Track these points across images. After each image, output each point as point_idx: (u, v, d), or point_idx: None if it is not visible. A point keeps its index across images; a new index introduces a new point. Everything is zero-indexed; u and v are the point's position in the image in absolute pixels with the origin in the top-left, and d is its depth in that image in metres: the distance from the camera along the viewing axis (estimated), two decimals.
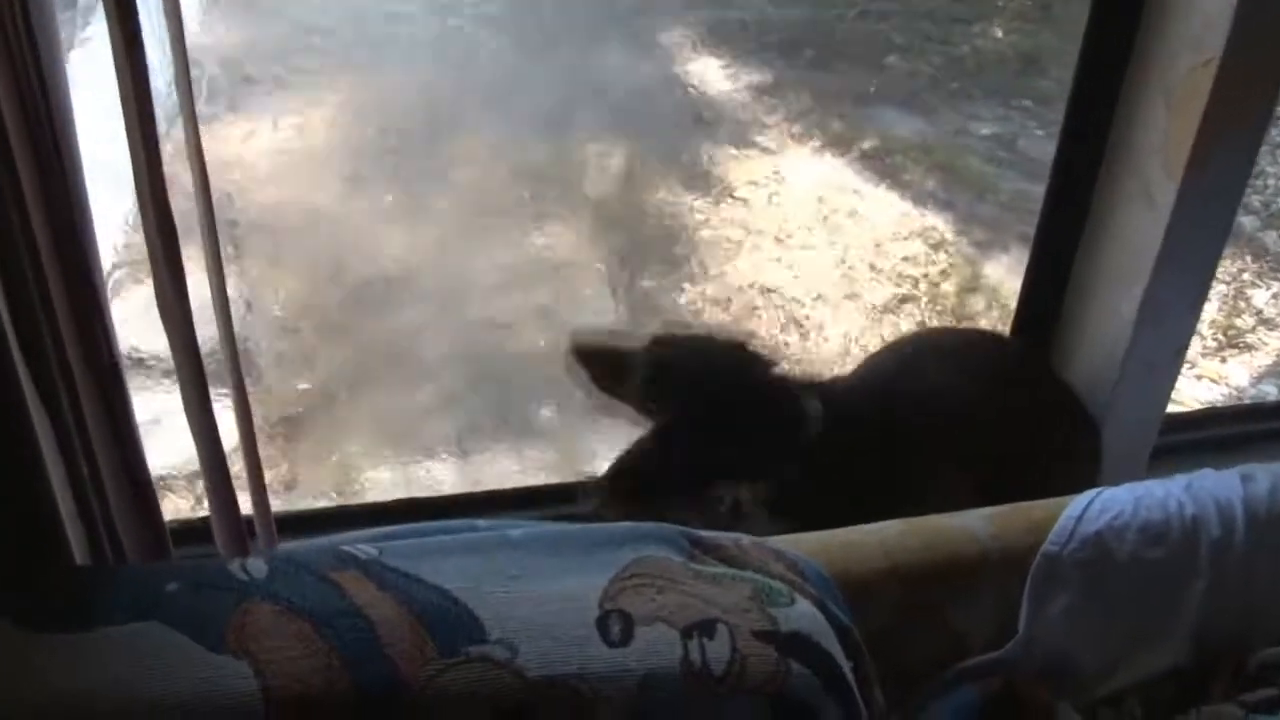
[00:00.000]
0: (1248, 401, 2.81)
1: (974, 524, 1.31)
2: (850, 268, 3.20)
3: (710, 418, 1.47)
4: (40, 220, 0.97)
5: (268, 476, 1.34)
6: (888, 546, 1.26)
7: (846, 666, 1.05)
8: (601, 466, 1.54)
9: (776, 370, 1.53)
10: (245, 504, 1.28)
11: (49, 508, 0.99)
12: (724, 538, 1.13)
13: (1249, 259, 3.52)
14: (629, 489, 1.49)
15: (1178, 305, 1.62)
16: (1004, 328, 1.93)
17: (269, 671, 0.86)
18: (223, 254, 1.18)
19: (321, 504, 2.13)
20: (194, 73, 1.11)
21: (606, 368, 1.53)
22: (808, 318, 2.96)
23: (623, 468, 1.50)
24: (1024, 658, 1.28)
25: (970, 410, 1.59)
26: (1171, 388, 1.72)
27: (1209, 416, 2.23)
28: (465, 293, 2.90)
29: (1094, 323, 1.69)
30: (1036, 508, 1.35)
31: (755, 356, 1.55)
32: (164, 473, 2.01)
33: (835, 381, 1.65)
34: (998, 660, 1.28)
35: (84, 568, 1.01)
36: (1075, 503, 1.35)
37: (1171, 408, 1.79)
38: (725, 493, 1.53)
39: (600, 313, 2.87)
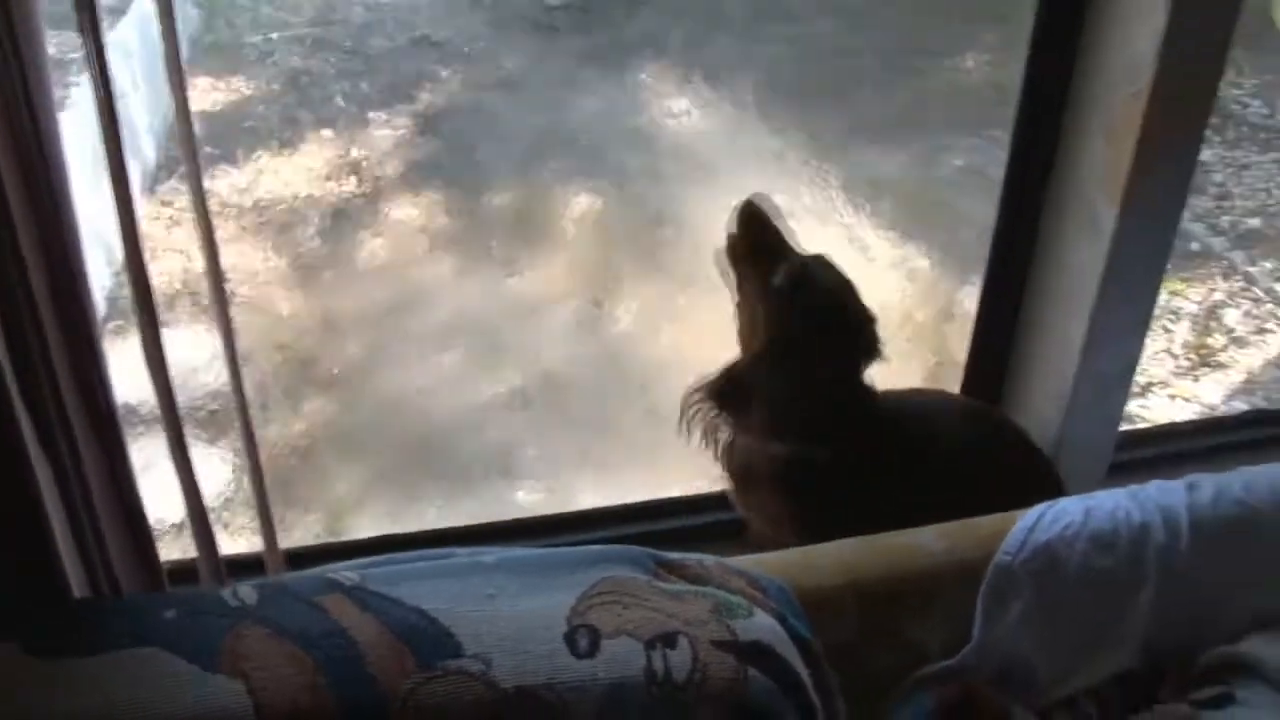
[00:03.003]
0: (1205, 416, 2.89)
1: (927, 539, 1.38)
2: None
3: (825, 346, 1.53)
4: (38, 273, 1.03)
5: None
6: (846, 563, 1.33)
7: (804, 674, 1.12)
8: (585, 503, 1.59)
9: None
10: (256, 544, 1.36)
11: (48, 547, 1.05)
12: (689, 558, 1.20)
13: (1219, 279, 3.60)
14: (731, 397, 1.55)
15: (1124, 326, 1.70)
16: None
17: (261, 689, 0.92)
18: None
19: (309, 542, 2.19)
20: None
21: (765, 249, 1.56)
22: None
23: (729, 374, 1.56)
24: (979, 664, 1.34)
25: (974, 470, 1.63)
26: (1124, 405, 1.80)
27: (1168, 432, 2.31)
28: (443, 338, 2.97)
29: (1047, 345, 1.76)
30: (986, 523, 1.41)
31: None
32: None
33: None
34: (953, 667, 1.34)
35: (86, 599, 1.08)
36: (1028, 514, 1.41)
37: (1138, 426, 1.85)
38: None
39: (573, 349, 2.94)
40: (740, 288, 1.60)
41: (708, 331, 3.01)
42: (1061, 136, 1.70)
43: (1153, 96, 1.53)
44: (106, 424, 1.14)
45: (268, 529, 1.36)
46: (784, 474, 1.58)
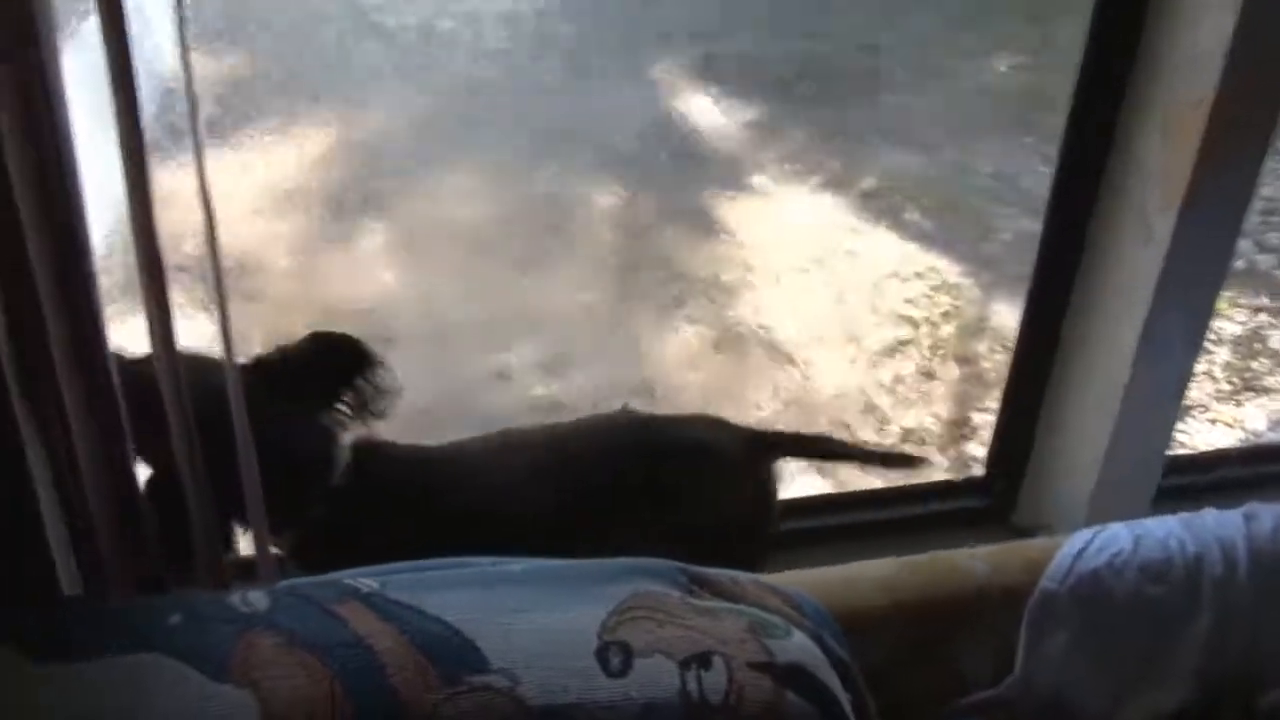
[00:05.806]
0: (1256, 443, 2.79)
1: (972, 562, 1.32)
2: (849, 309, 3.20)
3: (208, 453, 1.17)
4: (39, 248, 0.97)
5: None
6: (887, 583, 1.28)
7: (844, 698, 1.06)
8: None
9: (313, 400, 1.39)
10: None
11: (40, 537, 0.99)
12: (722, 574, 1.14)
13: (1266, 299, 3.46)
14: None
15: (1177, 341, 1.64)
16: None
17: (272, 700, 0.87)
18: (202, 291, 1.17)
19: None
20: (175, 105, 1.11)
21: None
22: (806, 361, 2.96)
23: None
24: (1022, 696, 1.28)
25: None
26: (1173, 425, 1.74)
27: (1216, 459, 2.23)
28: (450, 336, 2.89)
29: (1093, 359, 1.70)
30: (1034, 546, 1.36)
31: (269, 377, 1.36)
32: None
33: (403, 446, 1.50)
34: (995, 698, 1.28)
35: (85, 600, 1.03)
36: (1073, 540, 1.35)
37: (1183, 451, 1.77)
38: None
39: (592, 358, 2.86)
40: None
41: (722, 332, 2.99)
42: (1116, 139, 1.64)
43: (1218, 98, 1.48)
44: (107, 408, 1.07)
45: (259, 528, 1.29)
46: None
